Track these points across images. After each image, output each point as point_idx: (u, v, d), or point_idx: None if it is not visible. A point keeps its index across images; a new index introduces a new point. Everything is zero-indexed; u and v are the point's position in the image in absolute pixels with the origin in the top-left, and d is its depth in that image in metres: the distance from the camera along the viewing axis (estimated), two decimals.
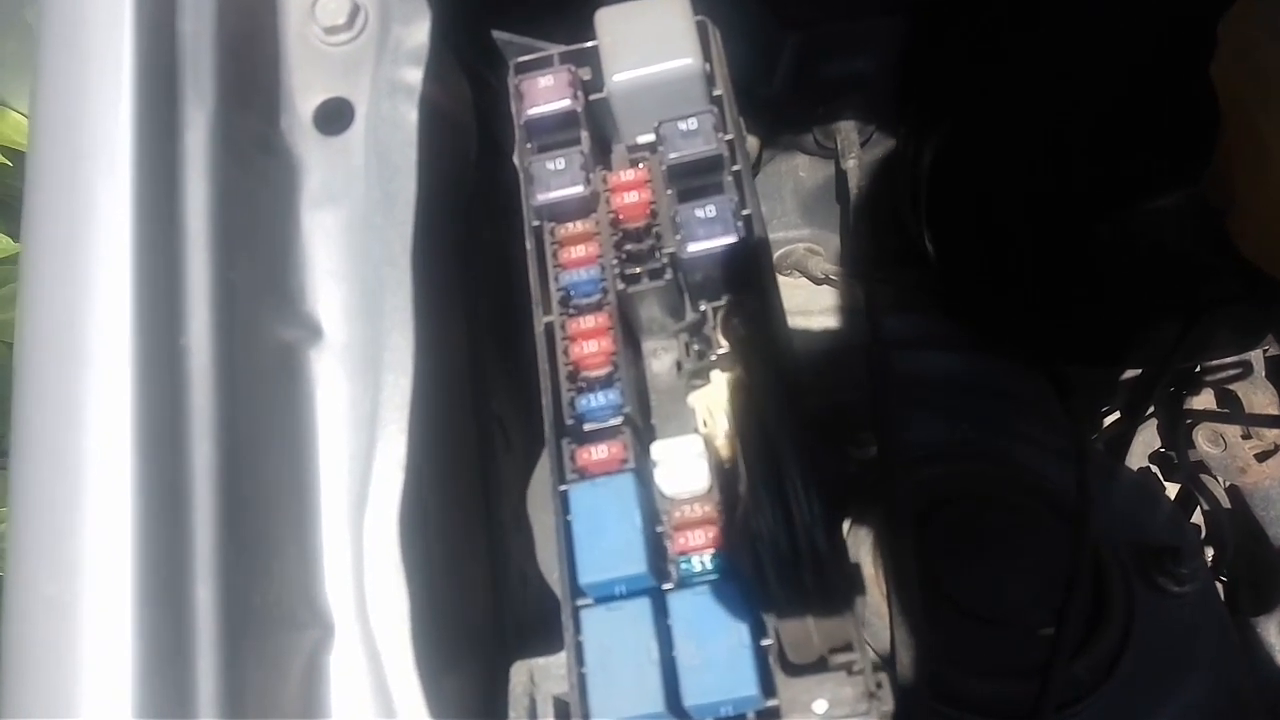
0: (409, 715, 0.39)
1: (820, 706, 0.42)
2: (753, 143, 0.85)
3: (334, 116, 0.47)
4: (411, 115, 0.46)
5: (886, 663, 0.43)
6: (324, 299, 0.45)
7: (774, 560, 0.41)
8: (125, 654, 0.34)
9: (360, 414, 0.43)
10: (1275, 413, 0.94)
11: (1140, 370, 0.94)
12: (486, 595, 0.52)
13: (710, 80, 0.54)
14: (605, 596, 0.44)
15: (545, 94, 0.54)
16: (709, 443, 0.49)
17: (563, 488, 0.46)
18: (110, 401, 0.37)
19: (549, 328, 0.50)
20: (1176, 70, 0.67)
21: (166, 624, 0.36)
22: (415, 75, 0.47)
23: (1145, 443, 1.01)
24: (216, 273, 0.40)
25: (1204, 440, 0.95)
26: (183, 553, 0.37)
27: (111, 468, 0.36)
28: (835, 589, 0.41)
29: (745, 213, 0.51)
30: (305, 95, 0.47)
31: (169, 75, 0.43)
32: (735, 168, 0.52)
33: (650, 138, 0.55)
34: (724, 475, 0.48)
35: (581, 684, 0.42)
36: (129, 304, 0.38)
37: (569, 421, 0.48)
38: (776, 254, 0.92)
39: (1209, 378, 0.97)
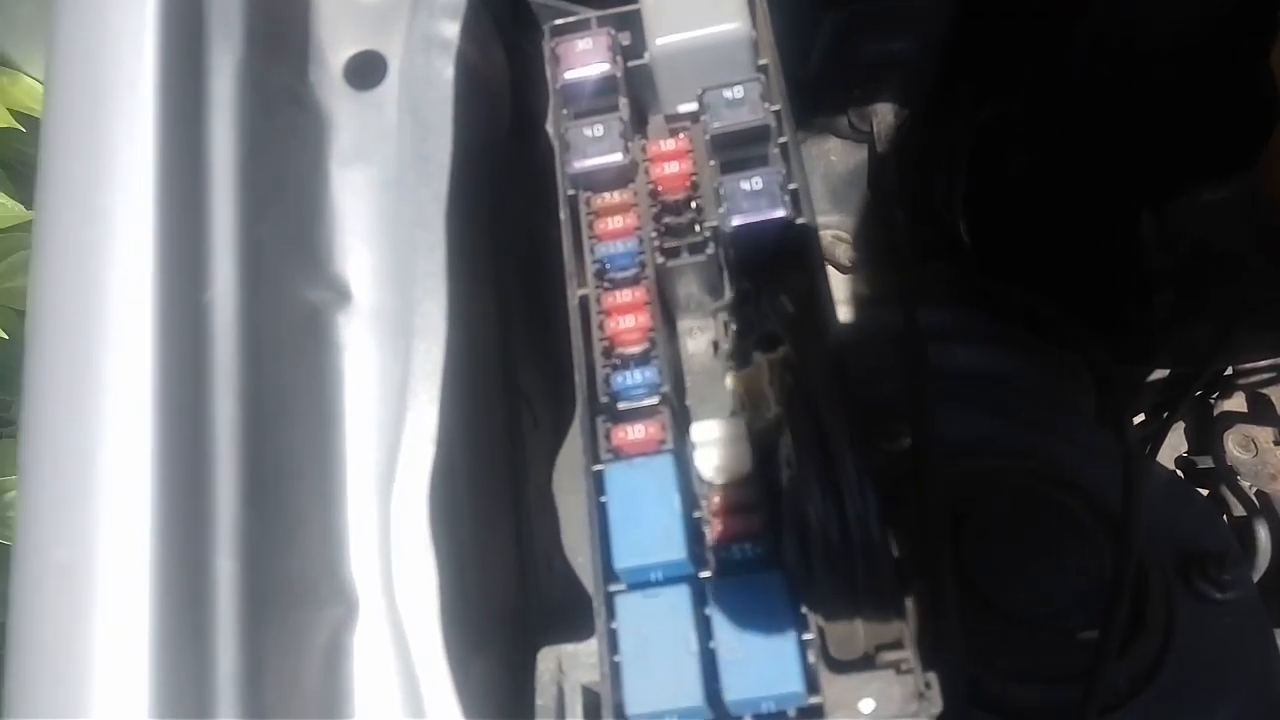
0: (434, 698, 0.37)
1: (867, 706, 0.40)
2: None
3: (366, 70, 0.45)
4: (447, 71, 0.44)
5: (925, 662, 0.40)
6: (353, 260, 0.43)
7: (823, 551, 0.38)
8: (141, 625, 0.32)
9: (389, 382, 0.41)
10: None
11: (1170, 370, 0.92)
12: (513, 577, 0.50)
13: (756, 48, 0.52)
14: (640, 583, 0.42)
15: (583, 58, 0.52)
16: (750, 426, 0.46)
17: (597, 468, 0.43)
18: (129, 357, 0.34)
19: (583, 301, 0.48)
20: (1234, 57, 0.65)
21: (185, 595, 0.33)
22: (452, 30, 0.44)
23: (1171, 445, 0.99)
24: (243, 227, 0.38)
25: (1234, 445, 0.93)
26: (203, 521, 0.34)
27: (129, 428, 0.34)
28: (886, 584, 0.39)
29: (792, 186, 0.48)
30: (336, 47, 0.45)
31: (195, 19, 0.40)
32: (782, 139, 0.50)
33: (690, 107, 0.52)
34: (765, 461, 0.46)
35: (615, 673, 0.40)
36: (151, 254, 0.35)
37: (603, 399, 0.45)
38: None
39: (1241, 380, 0.95)
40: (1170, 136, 0.72)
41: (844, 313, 0.85)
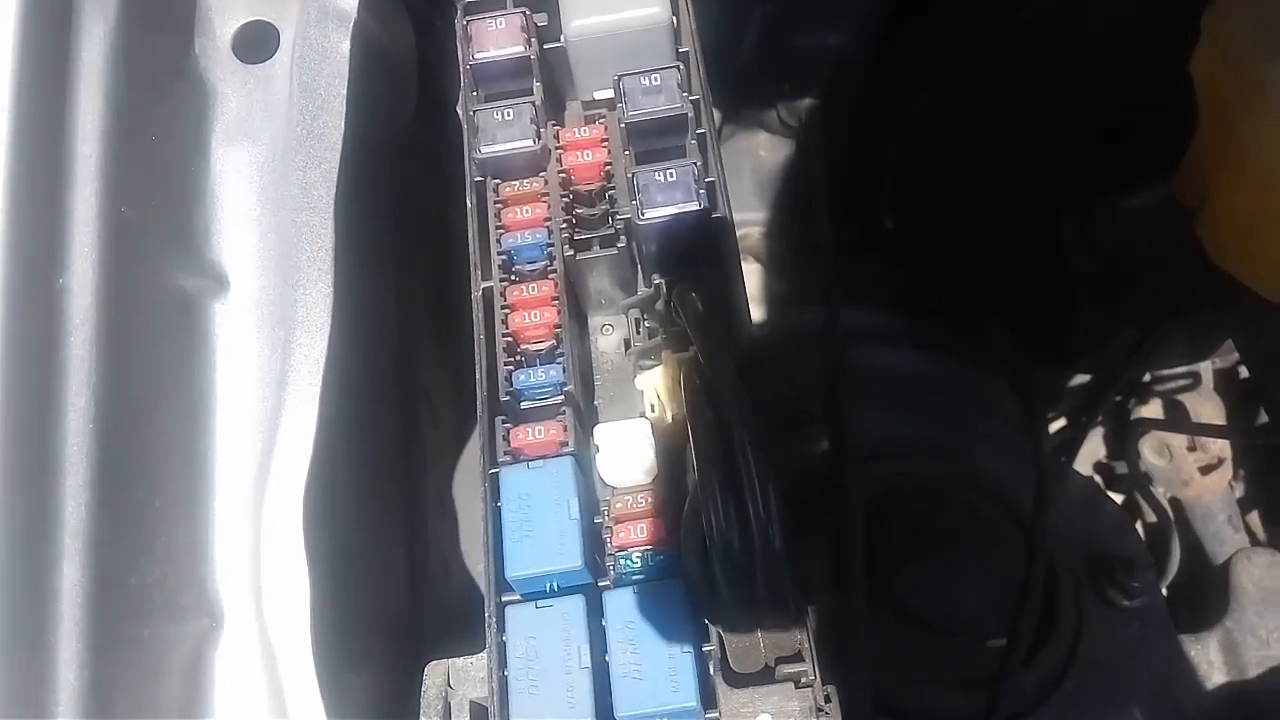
0: (304, 717, 0.35)
1: None
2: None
3: (256, 42, 0.42)
4: (344, 45, 0.41)
5: (829, 672, 0.39)
6: (233, 245, 0.40)
7: (724, 561, 0.37)
8: None
9: (267, 376, 0.39)
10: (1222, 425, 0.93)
11: (1090, 375, 0.92)
12: (404, 586, 0.48)
13: (677, 35, 0.50)
14: (535, 592, 0.40)
15: (495, 38, 0.50)
16: (657, 429, 0.45)
17: (493, 470, 0.41)
18: None
19: (487, 294, 0.46)
20: (1156, 63, 0.65)
21: (22, 604, 0.31)
22: (350, 2, 0.42)
23: (1090, 451, 1.00)
24: (107, 207, 0.35)
25: (1150, 451, 0.94)
26: (46, 523, 0.32)
27: None
28: (787, 595, 0.38)
29: (709, 179, 0.47)
30: (225, 17, 0.42)
31: None
32: (700, 130, 0.48)
33: (607, 94, 0.50)
34: (672, 465, 0.44)
35: (502, 689, 0.38)
36: None
37: (504, 398, 0.43)
38: None
39: (1158, 387, 0.96)
40: (1093, 140, 0.72)
41: (767, 311, 0.84)
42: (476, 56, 0.49)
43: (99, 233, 0.34)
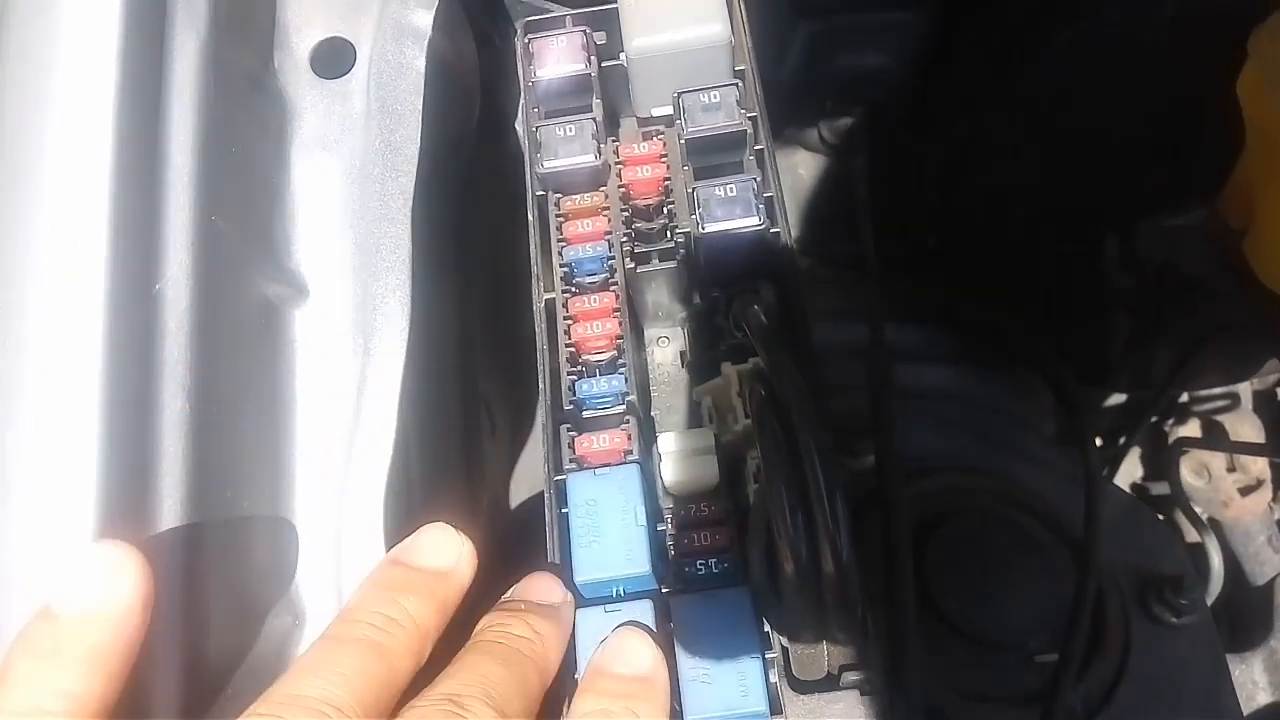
0: None
1: None
2: None
3: (334, 58, 0.43)
4: (419, 61, 0.42)
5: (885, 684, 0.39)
6: (313, 254, 0.41)
7: (792, 569, 0.37)
8: None
9: (346, 382, 0.39)
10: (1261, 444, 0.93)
11: (1129, 395, 0.92)
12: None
13: (734, 53, 0.51)
14: (600, 598, 0.41)
15: (556, 56, 0.51)
16: (718, 439, 0.45)
17: (560, 477, 0.42)
18: (76, 348, 0.32)
19: (550, 305, 0.47)
20: (1201, 83, 0.65)
21: None
22: (424, 19, 0.43)
23: (1126, 471, 1.00)
24: (200, 216, 0.36)
25: (1189, 471, 0.94)
26: (144, 521, 0.33)
27: (72, 423, 0.32)
28: (853, 604, 0.38)
29: (768, 194, 0.48)
30: (303, 33, 0.43)
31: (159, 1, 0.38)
32: (759, 146, 0.49)
33: (664, 111, 0.51)
34: (732, 475, 0.45)
35: (572, 694, 0.38)
36: (104, 242, 0.33)
37: (568, 407, 0.44)
38: None
39: (1197, 407, 0.95)
40: (1137, 160, 0.73)
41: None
42: (538, 74, 0.51)
43: (192, 240, 0.35)
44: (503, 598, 0.38)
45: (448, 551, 0.38)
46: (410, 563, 0.37)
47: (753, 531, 0.41)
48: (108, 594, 0.30)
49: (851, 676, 0.39)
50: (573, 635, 0.39)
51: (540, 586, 0.39)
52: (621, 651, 0.37)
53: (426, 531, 0.38)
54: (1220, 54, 0.64)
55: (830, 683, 0.40)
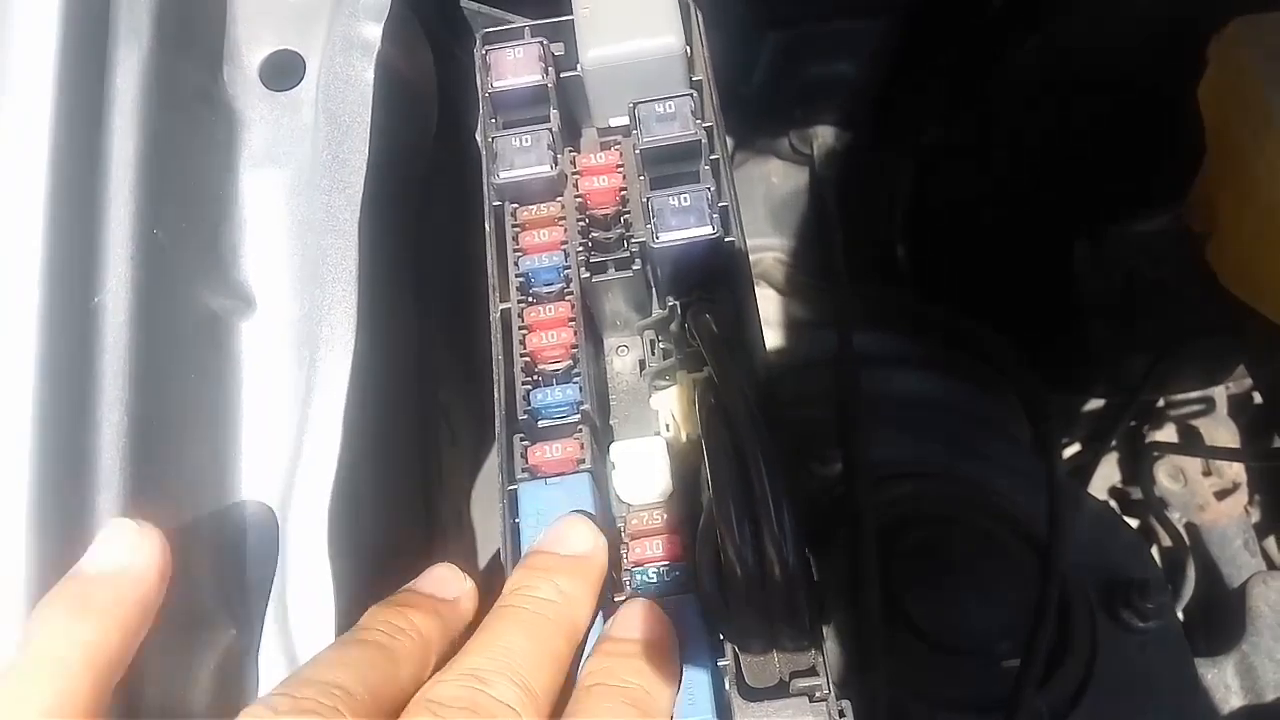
0: None
1: None
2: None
3: (283, 70, 0.43)
4: (368, 74, 0.42)
5: (844, 689, 0.39)
6: (259, 267, 0.41)
7: (739, 577, 0.37)
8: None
9: (292, 395, 0.39)
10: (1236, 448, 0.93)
11: (1103, 400, 0.92)
12: None
13: (690, 64, 0.51)
14: None
15: (513, 67, 0.51)
16: (671, 447, 0.46)
17: (512, 487, 0.42)
18: (9, 360, 0.32)
19: (505, 315, 0.47)
20: (1163, 90, 0.66)
21: None
22: (374, 32, 0.43)
23: (1104, 476, 1.00)
24: (141, 228, 0.36)
25: (1164, 476, 0.94)
26: (80, 535, 0.33)
27: (5, 435, 0.32)
28: (802, 611, 0.38)
29: (722, 204, 0.48)
30: (252, 46, 0.44)
31: (100, 13, 0.38)
32: (714, 156, 0.49)
33: (622, 121, 0.52)
34: (686, 483, 0.45)
35: None
36: (39, 253, 0.33)
37: (522, 416, 0.44)
38: None
39: (1172, 412, 0.96)
40: (1105, 166, 0.73)
41: (781, 335, 0.85)
42: (495, 85, 0.51)
43: (132, 253, 0.35)
44: (533, 546, 0.39)
45: (453, 586, 0.40)
46: (415, 589, 0.39)
47: (702, 540, 0.41)
48: (131, 558, 0.33)
49: (801, 683, 0.39)
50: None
51: (570, 535, 0.40)
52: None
53: (434, 569, 0.40)
54: (1185, 60, 0.64)
55: (781, 689, 0.40)
